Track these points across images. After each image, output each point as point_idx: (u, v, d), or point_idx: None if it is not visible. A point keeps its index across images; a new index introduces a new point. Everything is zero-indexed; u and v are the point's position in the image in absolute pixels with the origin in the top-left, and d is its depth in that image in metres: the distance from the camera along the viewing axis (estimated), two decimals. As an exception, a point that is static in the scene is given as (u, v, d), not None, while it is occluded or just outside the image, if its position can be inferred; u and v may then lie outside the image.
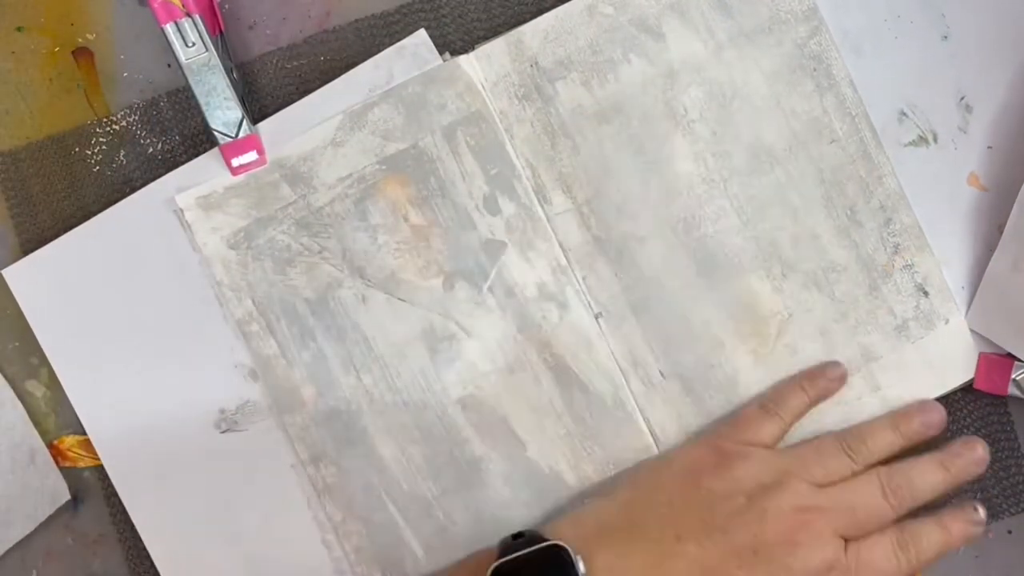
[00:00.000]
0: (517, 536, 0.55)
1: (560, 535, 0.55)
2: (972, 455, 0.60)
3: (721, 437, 0.60)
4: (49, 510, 0.64)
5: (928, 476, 0.59)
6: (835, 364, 0.62)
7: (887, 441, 0.60)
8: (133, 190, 0.64)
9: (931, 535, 0.59)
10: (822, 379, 0.62)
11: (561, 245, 0.63)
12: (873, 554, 0.57)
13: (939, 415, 0.61)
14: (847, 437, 0.60)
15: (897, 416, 0.61)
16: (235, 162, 0.62)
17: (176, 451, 0.64)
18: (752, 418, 0.61)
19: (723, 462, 0.58)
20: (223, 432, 0.64)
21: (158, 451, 0.64)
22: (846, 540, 0.57)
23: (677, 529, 0.56)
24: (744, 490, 0.57)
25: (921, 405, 0.62)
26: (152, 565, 0.64)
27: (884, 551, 0.57)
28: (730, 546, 0.55)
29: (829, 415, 0.63)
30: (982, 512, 0.60)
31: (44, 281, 0.64)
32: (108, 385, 0.64)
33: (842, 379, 0.62)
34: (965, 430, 0.63)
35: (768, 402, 0.61)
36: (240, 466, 0.64)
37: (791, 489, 0.57)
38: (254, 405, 0.63)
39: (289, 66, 0.65)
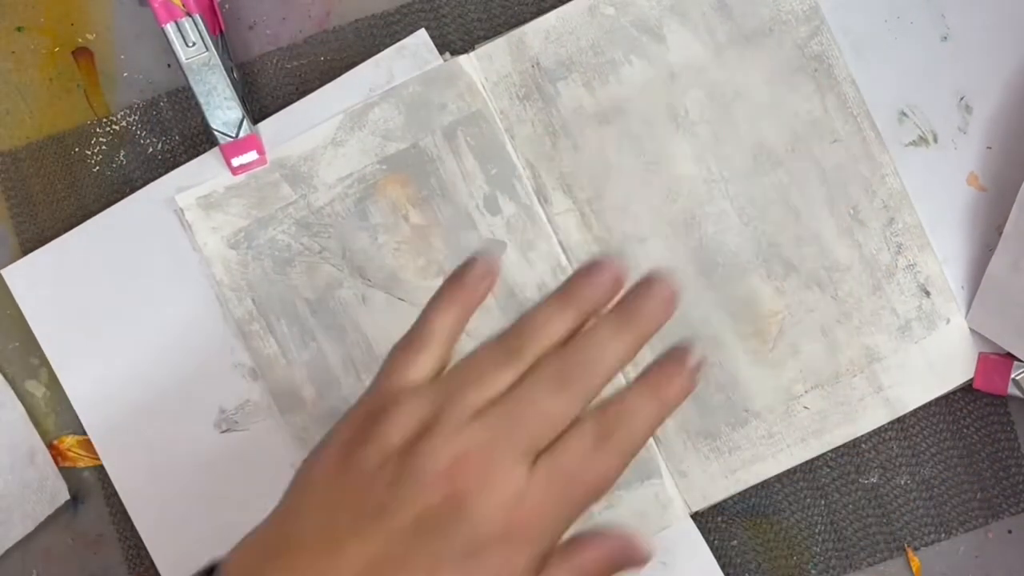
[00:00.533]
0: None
1: (229, 560, 0.45)
2: (653, 298, 0.46)
3: (371, 389, 0.47)
4: (48, 510, 0.64)
5: (609, 347, 0.46)
6: (472, 262, 0.49)
7: (559, 324, 0.46)
8: (133, 190, 0.64)
9: (639, 408, 0.45)
10: (465, 285, 0.49)
11: (561, 245, 0.63)
12: (567, 461, 0.44)
13: (610, 273, 0.47)
14: (507, 335, 0.47)
15: (564, 295, 0.47)
16: (235, 162, 0.62)
17: (176, 451, 0.64)
18: (397, 356, 0.47)
19: (370, 423, 0.45)
20: (223, 432, 0.64)
21: (158, 451, 0.64)
22: (537, 455, 0.44)
23: (335, 529, 0.44)
24: (394, 450, 0.44)
25: (588, 266, 0.47)
26: (152, 565, 0.64)
27: (579, 453, 0.44)
28: (392, 527, 0.43)
29: (832, 418, 0.63)
30: (694, 356, 0.47)
31: (43, 281, 0.64)
32: (107, 385, 0.64)
33: (490, 276, 0.49)
34: (965, 430, 0.64)
35: (411, 332, 0.48)
36: (241, 466, 0.63)
37: (442, 432, 0.44)
38: (254, 405, 0.63)
39: (289, 66, 0.65)
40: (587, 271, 0.47)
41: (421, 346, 0.48)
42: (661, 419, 0.46)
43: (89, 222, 0.64)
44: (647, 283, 0.46)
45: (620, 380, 0.54)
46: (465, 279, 0.49)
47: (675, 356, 0.47)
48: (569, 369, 0.45)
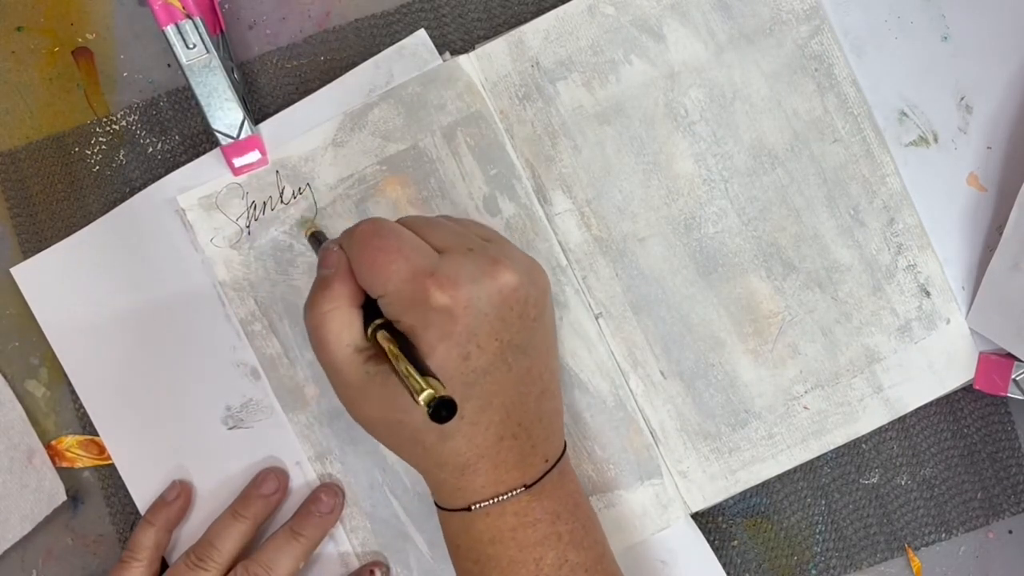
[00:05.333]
0: None
1: None
2: (318, 508, 0.62)
3: None
4: (46, 511, 0.64)
5: (285, 551, 0.61)
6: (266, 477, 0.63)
7: (237, 532, 0.62)
8: (133, 190, 0.64)
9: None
10: (167, 503, 0.63)
11: (561, 245, 0.63)
12: None
13: (272, 482, 0.63)
14: (196, 548, 0.61)
15: (235, 504, 0.63)
16: (237, 162, 0.62)
17: (186, 447, 0.64)
18: (114, 569, 0.62)
19: None
20: (230, 428, 0.64)
21: (168, 448, 0.64)
22: None
23: None
24: None
25: (253, 480, 0.63)
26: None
27: None
28: None
29: (832, 418, 0.63)
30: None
31: (51, 280, 0.64)
32: (117, 382, 0.64)
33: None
34: (966, 429, 0.64)
35: (126, 548, 0.62)
36: (248, 462, 0.64)
37: None
38: (257, 403, 0.64)
39: (289, 66, 0.65)
40: (258, 487, 0.62)
41: (131, 559, 0.61)
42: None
43: (96, 223, 0.64)
44: (315, 498, 0.62)
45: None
46: (167, 497, 0.63)
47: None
48: (255, 572, 0.60)
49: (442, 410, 0.47)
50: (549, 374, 0.55)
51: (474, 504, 0.53)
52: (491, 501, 0.53)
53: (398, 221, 0.54)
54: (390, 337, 0.51)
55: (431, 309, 0.50)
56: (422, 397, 0.47)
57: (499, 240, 0.56)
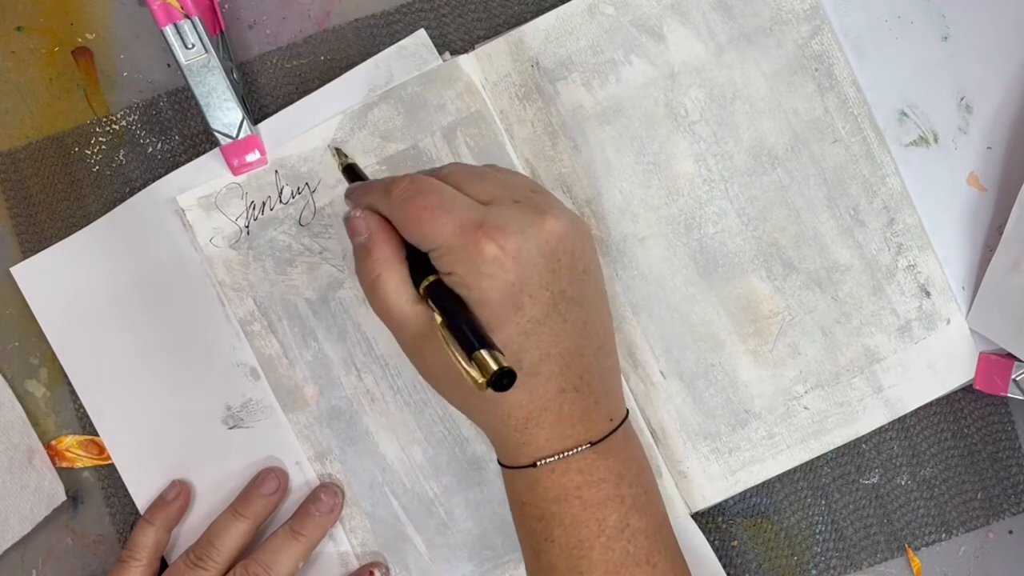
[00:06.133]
0: None
1: None
2: (318, 508, 0.62)
3: None
4: (46, 511, 0.64)
5: (285, 550, 0.62)
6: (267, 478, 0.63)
7: (237, 532, 0.62)
8: (132, 190, 0.64)
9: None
10: (167, 503, 0.63)
11: (561, 245, 0.63)
12: None
13: (272, 482, 0.63)
14: (196, 547, 0.62)
15: (235, 504, 0.63)
16: (236, 162, 0.62)
17: (186, 447, 0.64)
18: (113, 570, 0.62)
19: None
20: (231, 428, 0.64)
21: (168, 447, 0.64)
22: None
23: None
24: None
25: (254, 480, 0.63)
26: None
27: None
28: None
29: (832, 418, 0.63)
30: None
31: (51, 280, 0.64)
32: (117, 381, 0.64)
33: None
34: (966, 429, 0.64)
35: (125, 548, 0.63)
36: (248, 462, 0.64)
37: None
38: (257, 403, 0.64)
39: (289, 66, 0.65)
40: (258, 486, 0.63)
41: (130, 558, 0.62)
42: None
43: (96, 223, 0.64)
44: (314, 498, 0.63)
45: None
46: (166, 497, 0.63)
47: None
48: (255, 571, 0.61)
49: (503, 379, 0.47)
50: (605, 331, 0.55)
51: (539, 460, 0.53)
52: (556, 457, 0.53)
53: (444, 168, 0.55)
54: (442, 319, 0.51)
55: (483, 260, 0.51)
56: (478, 382, 0.47)
57: (545, 192, 0.56)
